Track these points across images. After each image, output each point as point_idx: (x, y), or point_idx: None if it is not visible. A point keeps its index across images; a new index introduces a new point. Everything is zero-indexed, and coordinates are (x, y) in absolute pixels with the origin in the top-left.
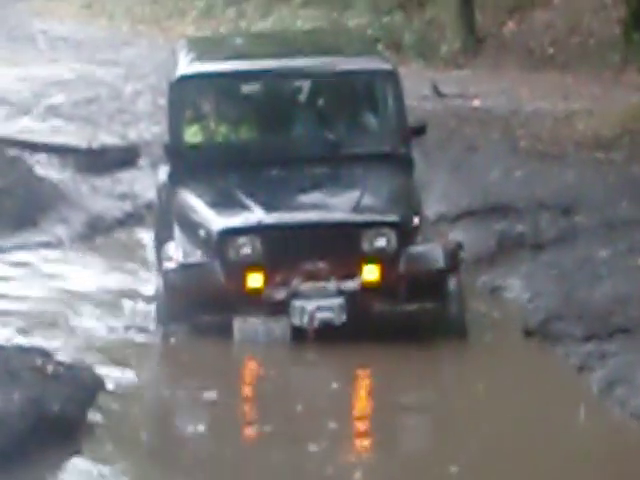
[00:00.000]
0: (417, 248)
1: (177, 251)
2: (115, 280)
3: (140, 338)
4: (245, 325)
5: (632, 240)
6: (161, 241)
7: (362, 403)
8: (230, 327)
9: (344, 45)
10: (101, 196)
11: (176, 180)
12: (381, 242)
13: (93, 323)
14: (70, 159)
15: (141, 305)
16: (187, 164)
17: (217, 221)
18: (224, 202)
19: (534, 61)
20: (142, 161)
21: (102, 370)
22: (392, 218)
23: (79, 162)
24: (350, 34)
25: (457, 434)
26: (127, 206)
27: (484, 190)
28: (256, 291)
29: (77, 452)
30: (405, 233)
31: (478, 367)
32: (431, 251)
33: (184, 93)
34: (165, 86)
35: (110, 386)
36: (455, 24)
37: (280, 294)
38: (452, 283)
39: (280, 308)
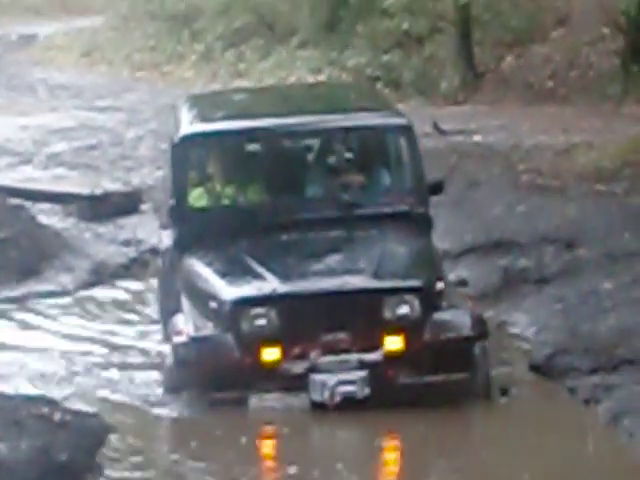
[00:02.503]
0: (442, 314)
1: (187, 324)
2: (119, 334)
3: (147, 405)
4: (261, 402)
5: (635, 272)
6: (167, 310)
7: (390, 467)
8: (245, 404)
9: (354, 99)
10: (104, 243)
11: (182, 246)
12: (404, 309)
13: (95, 384)
14: (73, 207)
15: (145, 372)
16: (193, 229)
17: (229, 291)
18: (235, 270)
19: (534, 95)
20: (145, 206)
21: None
22: (415, 283)
23: (82, 209)
24: (359, 87)
25: None
26: (131, 252)
27: (487, 226)
28: (272, 365)
29: None
30: (429, 299)
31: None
32: (457, 317)
33: (187, 154)
34: (166, 142)
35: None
36: (454, 60)
37: (298, 368)
38: (479, 350)
39: (298, 383)
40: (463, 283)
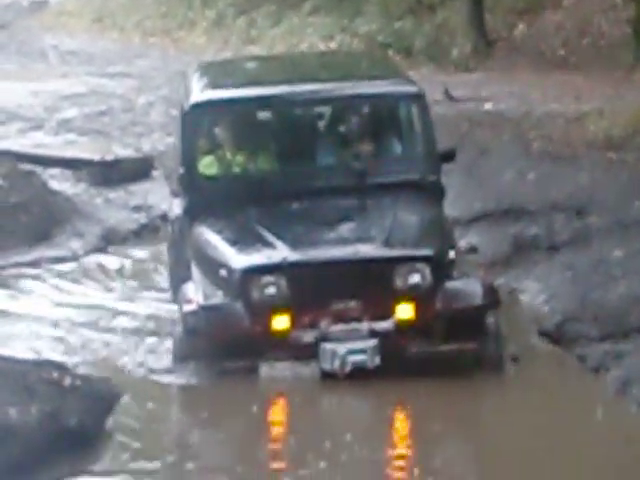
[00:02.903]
0: (454, 283)
1: (197, 292)
2: (129, 301)
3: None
4: (272, 371)
5: None
6: (177, 278)
7: (401, 437)
8: (255, 373)
9: (366, 67)
10: (115, 208)
11: (192, 214)
12: (415, 278)
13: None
14: (84, 172)
15: (155, 339)
16: (203, 197)
17: (239, 259)
18: (245, 238)
19: (545, 63)
20: (156, 172)
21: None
22: (427, 252)
23: (93, 175)
24: (372, 56)
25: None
26: (141, 218)
27: (497, 193)
28: (282, 334)
29: (95, 464)
30: (441, 268)
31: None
32: (469, 286)
33: (198, 122)
34: (177, 108)
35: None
36: (466, 27)
37: (308, 337)
38: (491, 320)
39: (309, 352)
40: (473, 250)
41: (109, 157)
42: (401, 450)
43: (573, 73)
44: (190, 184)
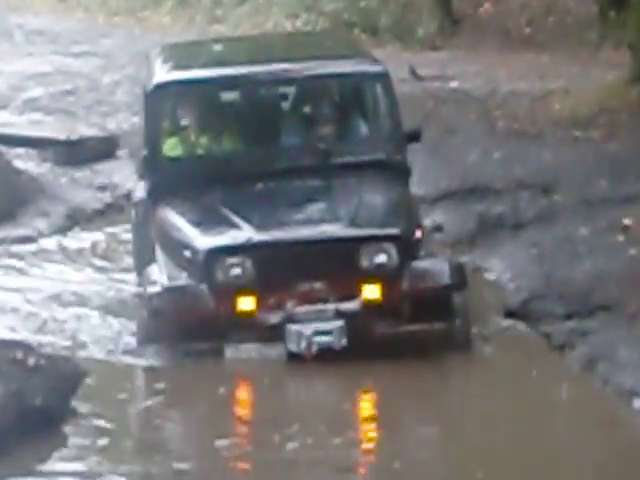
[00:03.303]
0: (421, 263)
1: (161, 274)
2: (94, 281)
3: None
4: (237, 352)
5: (611, 217)
6: (141, 261)
7: (368, 419)
8: (221, 354)
9: (330, 47)
10: (80, 188)
11: (156, 196)
12: (382, 258)
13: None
14: (49, 152)
15: (119, 320)
16: (167, 179)
17: (203, 240)
18: (209, 219)
19: (511, 41)
20: (121, 152)
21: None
22: (393, 231)
23: (58, 154)
24: (336, 36)
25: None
26: (107, 197)
27: (463, 171)
28: (248, 315)
29: (61, 444)
30: (407, 247)
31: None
32: (436, 266)
33: (161, 103)
34: (140, 93)
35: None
36: (431, 6)
37: (274, 318)
38: (458, 300)
39: (275, 333)
40: (438, 229)
41: (74, 136)
42: (368, 433)
43: (539, 52)
44: (154, 166)
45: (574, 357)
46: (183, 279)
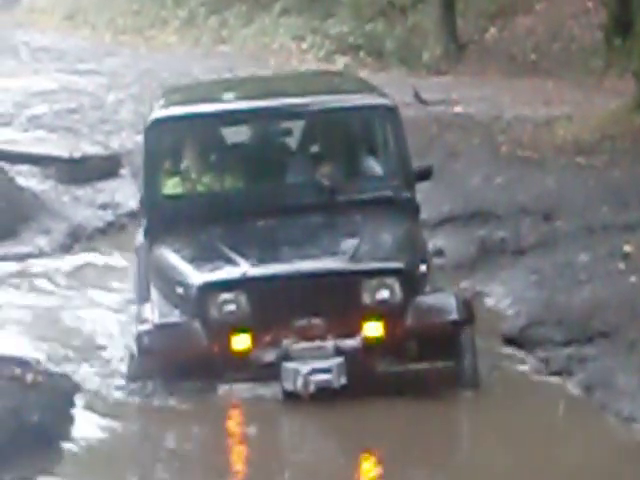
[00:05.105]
0: (426, 298)
1: (153, 312)
2: (93, 301)
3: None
4: (230, 392)
5: (612, 245)
6: (140, 301)
7: (369, 463)
8: (214, 393)
9: (336, 83)
10: (83, 206)
11: (153, 235)
12: (384, 293)
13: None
14: (52, 169)
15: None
16: (165, 217)
17: (196, 275)
18: (205, 256)
19: (516, 67)
20: (124, 170)
21: None
22: (396, 265)
23: (61, 172)
24: (343, 74)
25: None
26: (108, 216)
27: (465, 196)
28: (243, 354)
29: (57, 460)
30: (411, 282)
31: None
32: (442, 301)
33: (159, 139)
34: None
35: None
36: (437, 31)
37: (270, 356)
38: (466, 336)
39: (270, 372)
40: (439, 253)
41: (77, 154)
42: (370, 476)
43: (544, 78)
44: (151, 204)
45: (572, 384)
46: (175, 316)
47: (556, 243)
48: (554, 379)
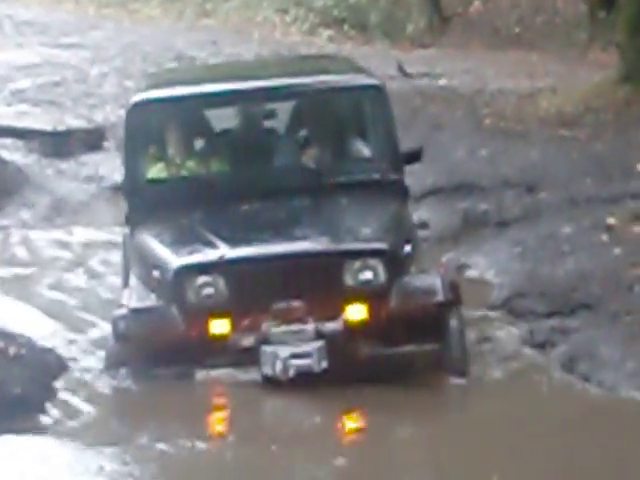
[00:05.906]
0: (411, 280)
1: (130, 297)
2: (77, 276)
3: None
4: (208, 377)
5: (595, 217)
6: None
7: (350, 449)
8: (191, 379)
9: (323, 64)
10: (66, 179)
11: (134, 221)
12: (367, 275)
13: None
14: (35, 143)
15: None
16: (147, 203)
17: (173, 259)
18: (184, 239)
19: (500, 40)
20: (108, 144)
21: None
22: (378, 246)
23: (45, 145)
24: (330, 56)
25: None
26: (92, 189)
27: (449, 168)
28: (221, 338)
29: (40, 434)
30: (395, 263)
31: None
32: (427, 282)
33: (140, 122)
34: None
35: None
36: (421, 3)
37: (248, 340)
38: (453, 318)
39: (249, 356)
40: (423, 225)
41: (61, 128)
42: (350, 461)
43: (527, 50)
44: (133, 189)
45: (555, 355)
46: (151, 300)
47: (539, 215)
48: (536, 350)
